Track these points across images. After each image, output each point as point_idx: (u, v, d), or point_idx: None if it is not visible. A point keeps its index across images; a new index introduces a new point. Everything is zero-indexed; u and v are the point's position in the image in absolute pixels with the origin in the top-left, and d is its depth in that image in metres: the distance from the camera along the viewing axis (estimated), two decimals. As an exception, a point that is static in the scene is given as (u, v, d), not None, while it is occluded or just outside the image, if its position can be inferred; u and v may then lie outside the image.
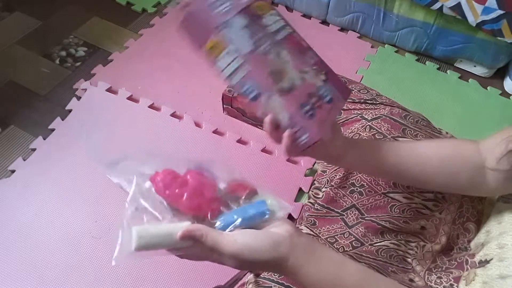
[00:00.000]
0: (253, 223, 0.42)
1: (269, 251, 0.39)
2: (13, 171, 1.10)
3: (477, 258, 0.60)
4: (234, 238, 0.39)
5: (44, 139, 1.17)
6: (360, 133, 0.78)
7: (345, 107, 0.84)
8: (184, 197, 0.42)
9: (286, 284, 0.61)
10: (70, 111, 1.24)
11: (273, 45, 0.51)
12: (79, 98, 1.28)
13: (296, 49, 0.53)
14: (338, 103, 0.55)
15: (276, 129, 0.51)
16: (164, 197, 0.42)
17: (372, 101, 0.82)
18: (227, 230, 0.41)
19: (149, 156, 0.47)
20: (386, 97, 0.85)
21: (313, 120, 0.50)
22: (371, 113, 0.80)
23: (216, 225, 0.42)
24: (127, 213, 0.41)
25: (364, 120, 0.79)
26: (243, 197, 0.45)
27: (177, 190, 0.42)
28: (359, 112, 0.81)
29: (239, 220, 0.41)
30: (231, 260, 0.39)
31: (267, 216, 0.43)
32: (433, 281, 0.66)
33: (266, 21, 0.52)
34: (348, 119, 0.82)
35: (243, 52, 0.49)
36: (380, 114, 0.78)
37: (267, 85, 0.49)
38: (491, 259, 0.56)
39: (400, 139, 0.74)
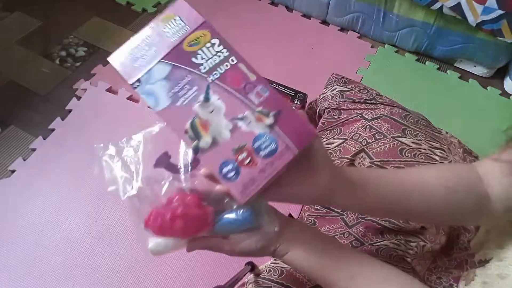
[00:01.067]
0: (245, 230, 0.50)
1: (258, 254, 0.50)
2: (13, 171, 1.10)
3: (476, 258, 0.60)
4: (234, 248, 0.50)
5: (44, 139, 1.17)
6: (360, 133, 0.78)
7: (345, 107, 0.84)
8: (179, 232, 0.50)
9: (285, 284, 0.61)
10: (70, 111, 1.25)
11: (200, 90, 0.43)
12: (79, 98, 1.28)
13: (233, 89, 0.44)
14: (286, 153, 0.43)
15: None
16: (163, 236, 0.50)
17: (372, 101, 0.82)
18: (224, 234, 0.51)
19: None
20: (386, 97, 0.85)
21: (234, 183, 0.43)
22: (371, 113, 0.80)
23: (215, 230, 0.50)
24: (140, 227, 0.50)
25: (364, 120, 0.79)
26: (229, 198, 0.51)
27: (171, 227, 0.49)
28: (359, 112, 0.81)
29: (236, 232, 0.51)
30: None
31: (258, 227, 0.50)
32: (432, 282, 0.66)
33: (198, 59, 0.44)
34: (348, 119, 0.82)
35: (156, 109, 0.43)
36: (380, 114, 0.78)
37: (184, 142, 0.44)
38: (491, 259, 0.56)
39: (401, 139, 0.74)
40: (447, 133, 0.84)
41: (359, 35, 1.55)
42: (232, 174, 0.43)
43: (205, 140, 0.43)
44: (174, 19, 0.45)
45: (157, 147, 0.51)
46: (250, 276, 0.67)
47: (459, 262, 0.65)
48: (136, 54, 0.44)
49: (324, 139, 0.86)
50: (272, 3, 1.66)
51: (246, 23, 1.55)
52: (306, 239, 0.51)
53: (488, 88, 1.39)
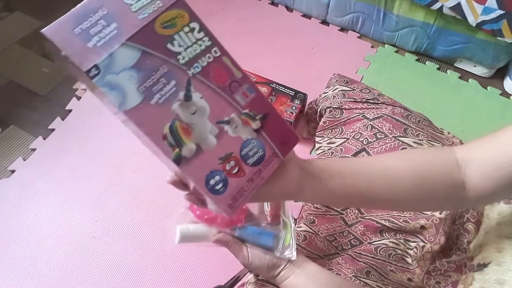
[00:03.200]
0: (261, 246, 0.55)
1: (265, 272, 0.56)
2: (13, 171, 1.10)
3: (475, 261, 0.60)
4: (248, 257, 0.55)
5: (44, 139, 1.17)
6: (362, 132, 0.78)
7: (347, 107, 0.84)
8: (218, 219, 0.53)
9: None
10: (70, 111, 1.24)
11: (180, 86, 0.35)
12: (79, 98, 1.28)
13: (219, 87, 0.37)
14: (273, 160, 0.40)
15: (186, 186, 0.42)
16: (202, 221, 0.53)
17: (374, 101, 0.82)
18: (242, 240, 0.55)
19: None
20: (388, 97, 0.85)
21: (221, 196, 0.38)
22: (373, 112, 0.80)
23: (236, 233, 0.55)
24: (178, 213, 0.53)
25: (365, 120, 0.79)
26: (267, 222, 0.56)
27: (211, 214, 0.53)
28: (360, 112, 0.81)
29: (251, 243, 0.55)
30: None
31: (272, 250, 0.55)
32: (431, 286, 0.66)
33: (176, 45, 0.35)
34: (350, 118, 0.82)
35: (124, 107, 0.34)
36: (382, 113, 0.78)
37: (162, 150, 0.35)
38: (489, 263, 0.56)
39: (402, 138, 0.74)
40: (449, 133, 0.84)
41: (359, 35, 1.55)
42: (220, 186, 0.38)
43: (189, 148, 0.36)
44: None
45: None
46: (250, 276, 0.67)
47: (458, 265, 0.65)
48: (89, 30, 0.33)
49: (326, 138, 0.86)
50: (272, 3, 1.66)
51: (246, 23, 1.55)
52: (310, 269, 0.56)
53: (488, 88, 1.39)
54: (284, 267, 0.55)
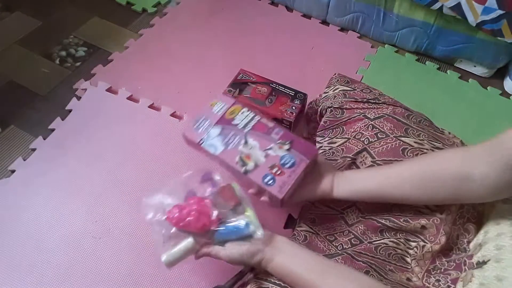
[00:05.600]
0: (240, 238, 0.64)
1: (249, 260, 0.62)
2: (13, 171, 1.10)
3: (474, 259, 0.60)
4: (228, 253, 0.62)
5: (44, 139, 1.17)
6: (363, 132, 0.78)
7: (348, 106, 0.84)
8: (191, 225, 0.63)
9: (283, 285, 0.61)
10: (70, 111, 1.24)
11: (241, 138, 0.73)
12: (79, 98, 1.28)
13: (261, 133, 0.73)
14: (301, 163, 0.69)
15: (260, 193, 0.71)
16: (178, 228, 0.64)
17: (375, 101, 0.82)
18: (223, 242, 0.65)
19: (171, 189, 0.69)
20: (389, 97, 0.85)
21: (273, 186, 0.67)
22: (374, 112, 0.80)
23: (215, 236, 0.64)
24: (160, 245, 0.65)
25: (367, 119, 0.79)
26: (231, 208, 0.66)
27: (186, 220, 0.63)
28: (361, 111, 0.81)
29: (231, 239, 0.64)
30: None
31: (250, 236, 0.63)
32: (431, 283, 0.66)
33: (236, 121, 0.75)
34: (351, 118, 0.82)
35: (216, 153, 0.73)
36: (383, 113, 0.78)
37: (237, 169, 0.70)
38: (488, 260, 0.56)
39: (403, 138, 0.74)
40: (449, 133, 0.84)
41: (359, 35, 1.55)
42: (271, 181, 0.68)
43: (250, 165, 0.70)
44: (217, 103, 0.80)
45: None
46: (250, 276, 0.67)
47: (457, 263, 0.65)
48: (199, 126, 0.77)
49: (327, 138, 0.86)
50: (272, 3, 1.66)
51: (246, 23, 1.55)
52: (290, 248, 0.62)
53: (488, 88, 1.39)
54: (263, 251, 0.61)
